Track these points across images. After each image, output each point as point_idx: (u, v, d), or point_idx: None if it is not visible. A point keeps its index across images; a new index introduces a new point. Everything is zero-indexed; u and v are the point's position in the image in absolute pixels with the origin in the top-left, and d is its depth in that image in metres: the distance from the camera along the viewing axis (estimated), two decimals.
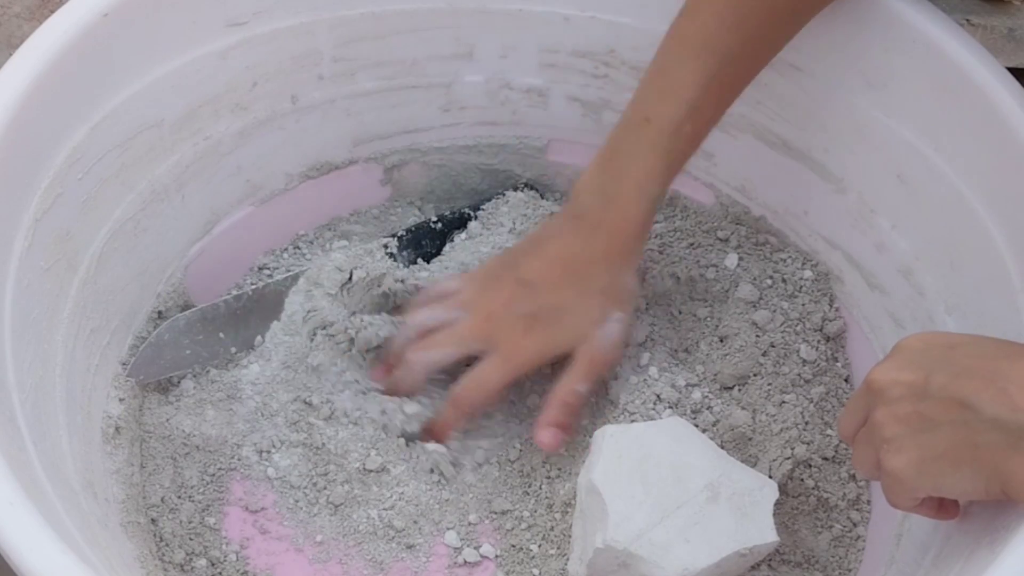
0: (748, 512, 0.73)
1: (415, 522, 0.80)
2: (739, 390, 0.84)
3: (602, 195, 0.78)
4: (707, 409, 0.82)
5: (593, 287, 0.79)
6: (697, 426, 0.80)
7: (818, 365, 0.85)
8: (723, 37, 0.74)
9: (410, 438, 0.82)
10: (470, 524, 0.80)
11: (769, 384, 0.83)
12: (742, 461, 0.77)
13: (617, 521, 0.72)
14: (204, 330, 0.86)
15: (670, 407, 0.81)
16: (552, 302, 0.79)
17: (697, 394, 0.83)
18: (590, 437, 0.78)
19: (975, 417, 0.56)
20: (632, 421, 0.80)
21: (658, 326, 0.87)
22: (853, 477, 0.81)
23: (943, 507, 0.62)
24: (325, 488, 0.81)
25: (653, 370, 0.83)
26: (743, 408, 0.82)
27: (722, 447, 0.79)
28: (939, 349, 0.59)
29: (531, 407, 0.84)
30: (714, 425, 0.81)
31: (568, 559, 0.77)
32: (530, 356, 0.80)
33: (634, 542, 0.72)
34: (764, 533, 0.73)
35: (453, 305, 0.82)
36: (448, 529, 0.80)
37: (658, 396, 0.81)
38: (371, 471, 0.81)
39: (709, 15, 0.74)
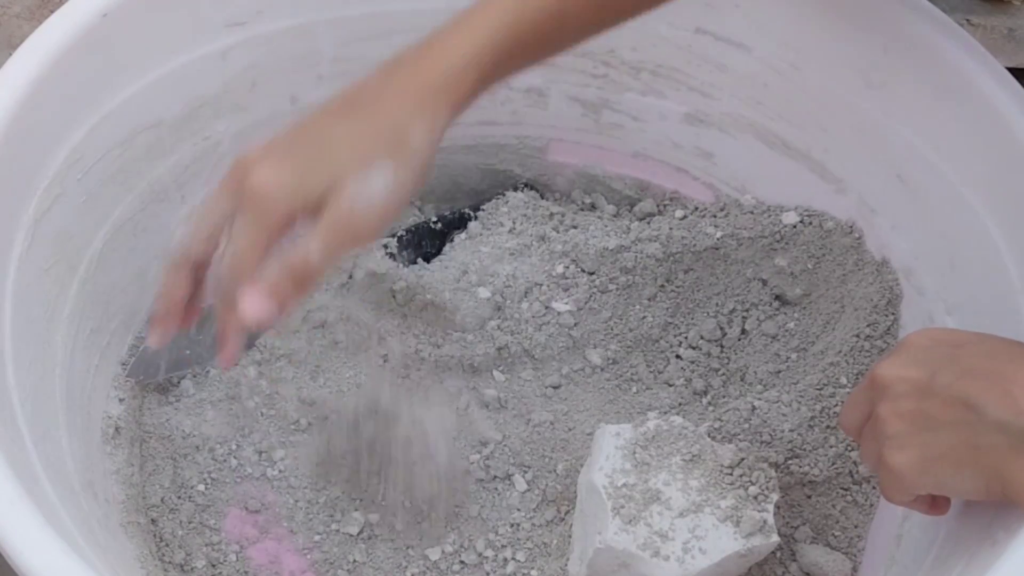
0: (746, 513, 0.73)
1: (417, 524, 0.80)
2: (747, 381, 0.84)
3: (422, 41, 0.65)
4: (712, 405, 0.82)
5: (366, 121, 0.62)
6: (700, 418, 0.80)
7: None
8: None
9: None
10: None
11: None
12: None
13: (617, 521, 0.72)
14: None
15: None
16: (314, 131, 0.62)
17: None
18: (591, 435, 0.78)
19: (978, 418, 0.56)
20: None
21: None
22: (851, 474, 0.81)
23: (935, 503, 0.62)
24: (324, 488, 0.81)
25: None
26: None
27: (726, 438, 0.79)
28: (945, 347, 0.60)
29: None
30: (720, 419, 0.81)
31: (568, 559, 0.77)
32: (274, 195, 0.59)
33: (634, 542, 0.72)
34: (765, 534, 0.73)
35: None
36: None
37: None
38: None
39: None
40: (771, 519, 0.73)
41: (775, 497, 0.74)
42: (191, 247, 0.62)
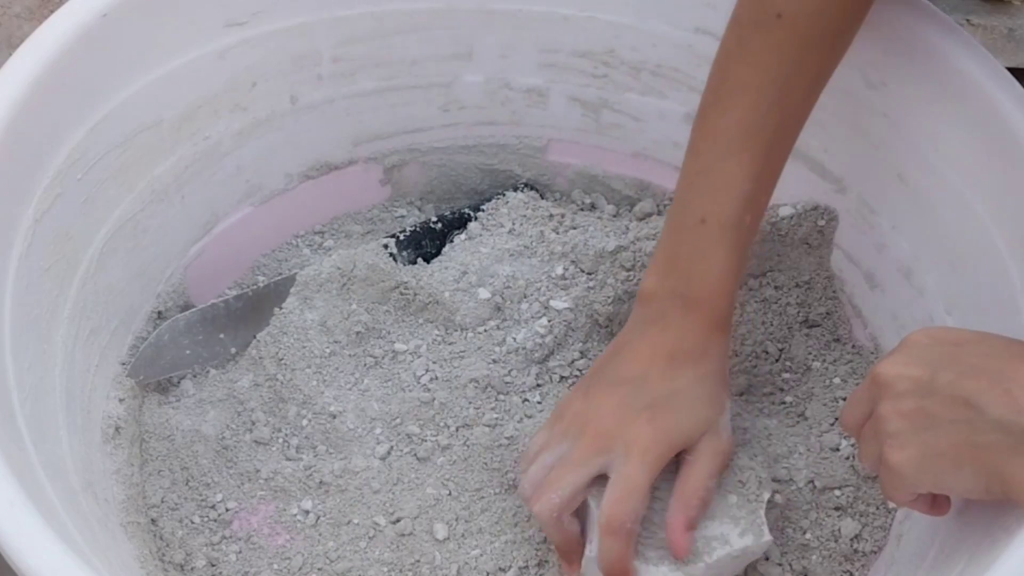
0: (739, 513, 0.73)
1: (414, 518, 0.80)
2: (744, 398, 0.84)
3: (678, 297, 0.73)
4: None
5: (705, 372, 0.73)
6: None
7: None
8: (763, 126, 0.71)
9: None
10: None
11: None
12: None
13: None
14: (204, 330, 0.86)
15: None
16: (668, 389, 0.72)
17: None
18: None
19: (978, 417, 0.56)
20: None
21: None
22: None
23: (936, 503, 0.62)
24: (325, 489, 0.81)
25: None
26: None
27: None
28: (946, 346, 0.60)
29: None
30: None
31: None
32: (663, 447, 0.71)
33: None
34: (757, 534, 0.72)
35: (557, 440, 0.74)
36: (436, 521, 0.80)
37: None
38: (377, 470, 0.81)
39: (744, 108, 0.72)
40: (763, 518, 0.73)
41: (767, 496, 0.74)
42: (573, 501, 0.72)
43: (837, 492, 0.79)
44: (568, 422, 0.74)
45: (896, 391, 0.59)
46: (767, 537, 0.72)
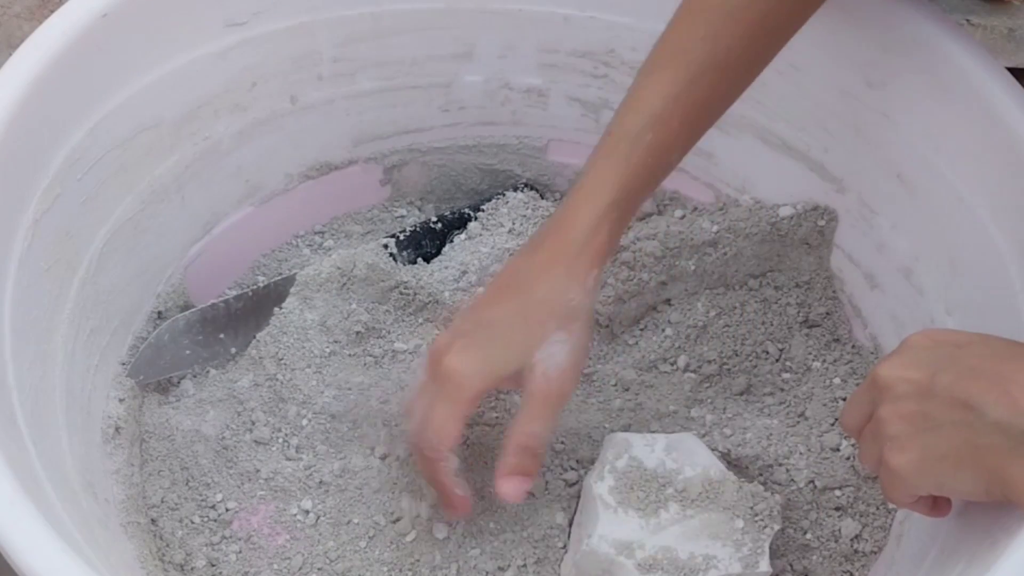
0: (743, 539, 0.73)
1: (414, 518, 0.80)
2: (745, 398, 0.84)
3: (553, 216, 0.73)
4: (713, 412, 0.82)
5: (530, 301, 0.70)
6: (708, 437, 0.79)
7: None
8: (695, 49, 0.71)
9: None
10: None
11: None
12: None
13: (606, 528, 0.72)
14: (204, 330, 0.86)
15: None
16: (486, 317, 0.71)
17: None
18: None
19: (978, 419, 0.56)
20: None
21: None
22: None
23: (937, 505, 0.62)
24: (325, 489, 0.81)
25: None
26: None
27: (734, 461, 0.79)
28: (946, 348, 0.59)
29: None
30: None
31: (562, 561, 0.77)
32: (468, 378, 0.70)
33: (621, 551, 0.72)
34: (756, 562, 0.72)
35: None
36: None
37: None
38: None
39: (681, 31, 0.72)
40: (766, 549, 0.73)
41: (776, 528, 0.74)
42: (428, 436, 0.71)
43: (837, 492, 0.79)
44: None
45: (896, 393, 0.59)
46: (765, 569, 0.72)
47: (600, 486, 0.74)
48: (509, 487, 0.70)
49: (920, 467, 0.58)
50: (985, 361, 0.57)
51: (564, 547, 0.78)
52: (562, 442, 0.82)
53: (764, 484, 0.79)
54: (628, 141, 0.71)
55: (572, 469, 0.82)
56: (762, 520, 0.74)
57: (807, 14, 0.73)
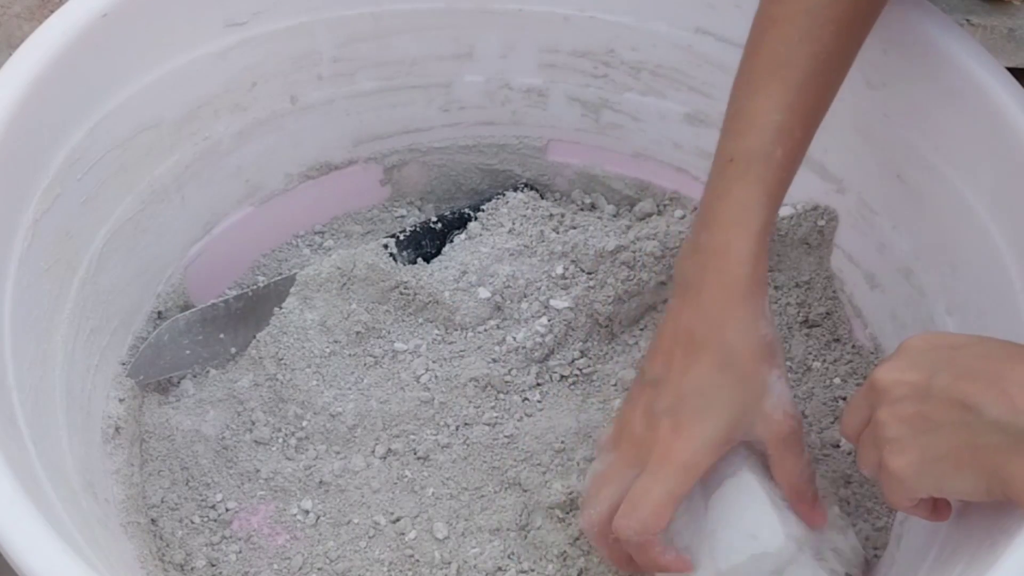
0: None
1: (414, 518, 0.80)
2: None
3: (699, 253, 0.69)
4: None
5: (726, 356, 0.67)
6: None
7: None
8: (794, 55, 0.68)
9: None
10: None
11: None
12: None
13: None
14: (204, 330, 0.86)
15: None
16: (689, 388, 0.67)
17: None
18: None
19: (977, 419, 0.56)
20: None
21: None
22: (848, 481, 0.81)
23: (937, 508, 0.62)
24: (325, 489, 0.81)
25: None
26: None
27: None
28: (943, 350, 0.59)
29: None
30: None
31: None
32: (691, 456, 0.66)
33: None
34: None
35: (606, 451, 0.72)
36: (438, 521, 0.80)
37: None
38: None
39: (775, 41, 0.69)
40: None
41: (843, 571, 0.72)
42: (641, 521, 0.67)
43: (838, 491, 0.79)
44: (614, 430, 0.72)
45: (894, 396, 0.59)
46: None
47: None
48: (818, 514, 0.70)
49: (920, 469, 0.58)
50: (982, 361, 0.57)
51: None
52: (562, 442, 0.82)
53: None
54: (759, 161, 0.68)
55: (572, 472, 0.82)
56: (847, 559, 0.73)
57: None
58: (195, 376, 0.86)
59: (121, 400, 0.81)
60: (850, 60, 0.72)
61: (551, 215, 0.92)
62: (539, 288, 0.88)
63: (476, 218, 0.93)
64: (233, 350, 0.86)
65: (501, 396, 0.85)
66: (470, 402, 0.85)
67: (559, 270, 0.88)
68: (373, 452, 0.83)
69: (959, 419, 0.56)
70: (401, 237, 0.91)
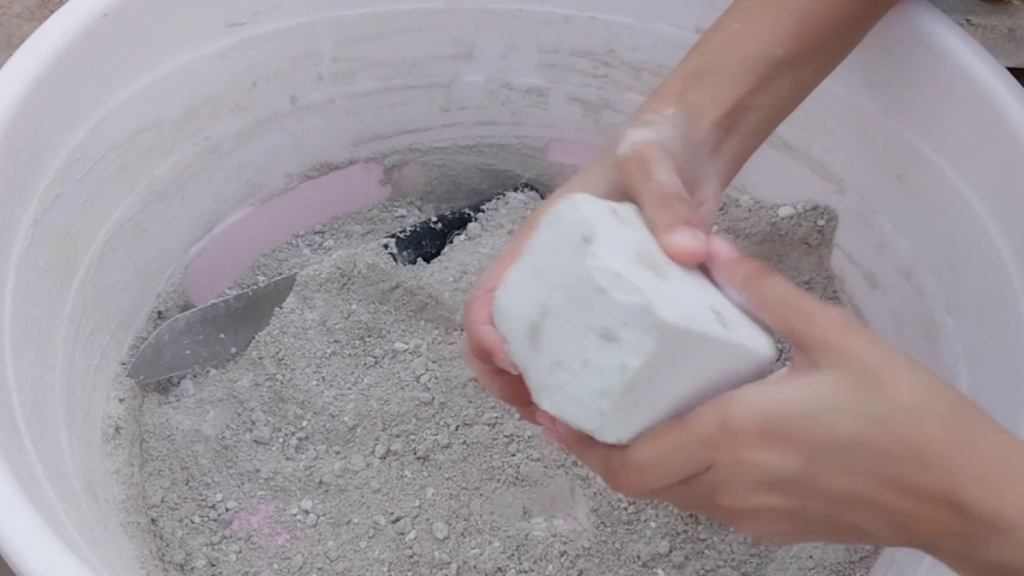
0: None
1: (414, 518, 0.80)
2: None
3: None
4: None
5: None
6: None
7: None
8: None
9: None
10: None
11: None
12: None
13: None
14: (204, 330, 0.86)
15: None
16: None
17: None
18: None
19: (871, 540, 0.49)
20: None
21: None
22: None
23: None
24: (325, 489, 0.81)
25: None
26: None
27: None
28: (798, 464, 0.47)
29: None
30: None
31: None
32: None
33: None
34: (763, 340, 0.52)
35: None
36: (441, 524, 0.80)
37: None
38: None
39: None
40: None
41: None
42: None
43: None
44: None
45: (757, 477, 0.48)
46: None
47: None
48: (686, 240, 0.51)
49: (794, 540, 0.51)
50: (861, 485, 0.47)
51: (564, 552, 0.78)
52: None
53: None
54: (712, 32, 0.65)
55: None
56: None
57: None
58: (195, 376, 0.86)
59: (121, 400, 0.81)
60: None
61: None
62: None
63: (476, 218, 0.93)
64: (233, 350, 0.86)
65: None
66: (470, 402, 0.85)
67: None
68: (373, 452, 0.83)
69: (848, 539, 0.50)
70: (401, 237, 0.91)
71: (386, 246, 0.90)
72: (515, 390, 0.54)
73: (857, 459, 0.47)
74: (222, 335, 0.86)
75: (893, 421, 0.47)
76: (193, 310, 0.86)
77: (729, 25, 0.65)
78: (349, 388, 0.85)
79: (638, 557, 0.78)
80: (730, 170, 0.63)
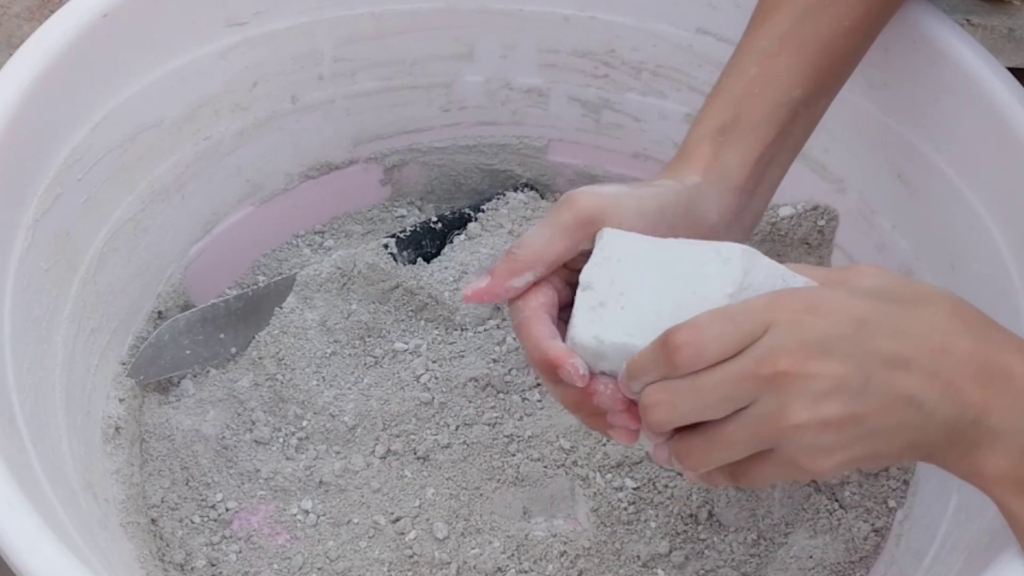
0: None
1: (414, 518, 0.80)
2: None
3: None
4: None
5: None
6: None
7: None
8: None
9: None
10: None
11: None
12: None
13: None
14: (204, 330, 0.86)
15: None
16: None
17: None
18: None
19: (926, 420, 0.50)
20: None
21: None
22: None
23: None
24: (325, 489, 0.81)
25: None
26: None
27: None
28: (854, 325, 0.50)
29: None
30: None
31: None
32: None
33: None
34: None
35: None
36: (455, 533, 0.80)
37: None
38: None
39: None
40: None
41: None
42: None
43: (838, 490, 0.79)
44: None
45: (813, 392, 0.49)
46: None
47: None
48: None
49: (846, 466, 0.51)
50: (905, 343, 0.50)
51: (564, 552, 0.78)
52: (562, 442, 0.82)
53: None
54: (732, 77, 0.66)
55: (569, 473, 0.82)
56: None
57: None
58: (195, 376, 0.86)
59: (121, 400, 0.81)
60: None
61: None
62: None
63: (476, 218, 0.93)
64: (233, 350, 0.86)
65: (501, 396, 0.85)
66: (470, 402, 0.85)
67: None
68: (373, 452, 0.83)
69: (903, 421, 0.50)
70: (401, 237, 0.91)
71: (386, 246, 0.90)
72: (580, 397, 0.56)
73: (903, 320, 0.51)
74: (222, 335, 0.86)
75: (931, 292, 0.53)
76: (193, 310, 0.86)
77: (747, 69, 0.67)
78: (349, 388, 0.85)
79: (638, 557, 0.78)
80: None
